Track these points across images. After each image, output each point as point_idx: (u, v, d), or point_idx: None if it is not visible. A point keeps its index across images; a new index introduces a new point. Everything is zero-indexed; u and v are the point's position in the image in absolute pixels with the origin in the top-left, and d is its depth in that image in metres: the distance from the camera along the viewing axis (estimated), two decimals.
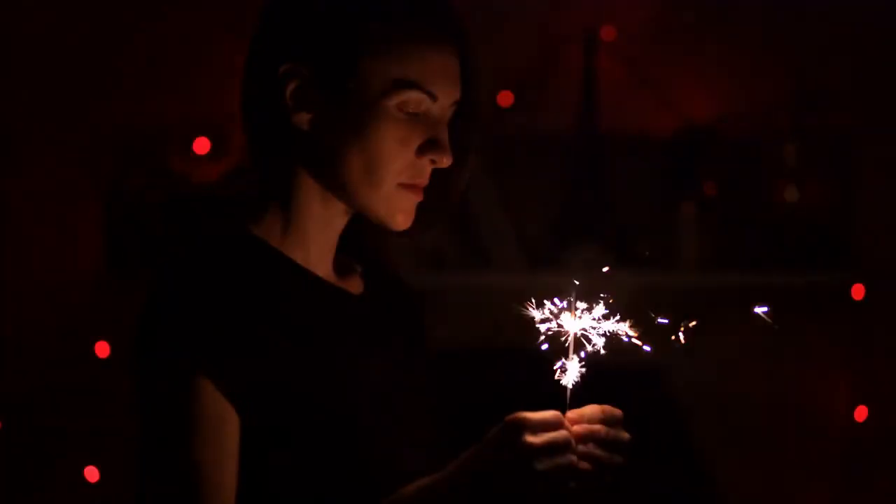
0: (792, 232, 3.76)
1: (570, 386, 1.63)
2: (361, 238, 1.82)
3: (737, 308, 3.80)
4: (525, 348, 1.63)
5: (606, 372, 1.65)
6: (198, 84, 3.67)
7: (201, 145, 3.70)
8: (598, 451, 1.59)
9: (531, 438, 1.56)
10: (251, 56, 1.73)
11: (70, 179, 3.77)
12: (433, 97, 1.69)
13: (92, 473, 3.73)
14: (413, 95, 1.68)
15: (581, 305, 1.63)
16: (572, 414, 1.61)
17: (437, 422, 1.83)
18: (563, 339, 1.64)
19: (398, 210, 1.72)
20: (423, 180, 1.72)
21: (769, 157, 3.77)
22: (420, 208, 1.73)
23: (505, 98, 3.82)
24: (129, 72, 3.75)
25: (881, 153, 3.79)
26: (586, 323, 1.63)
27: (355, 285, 1.81)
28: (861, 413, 3.78)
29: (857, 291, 3.74)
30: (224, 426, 1.62)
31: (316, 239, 1.76)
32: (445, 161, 1.71)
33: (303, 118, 1.70)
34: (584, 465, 1.58)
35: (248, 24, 1.75)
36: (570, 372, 1.63)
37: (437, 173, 1.73)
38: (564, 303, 1.64)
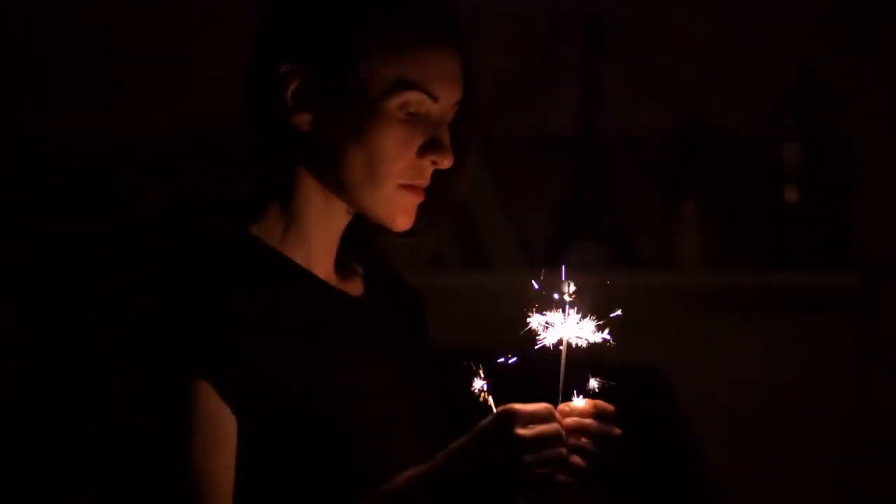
0: (792, 232, 3.76)
1: (561, 380, 1.64)
2: (362, 239, 1.82)
3: (737, 308, 3.81)
4: (525, 349, 1.63)
5: (605, 372, 1.66)
6: (199, 84, 3.67)
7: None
8: (588, 445, 1.60)
9: (522, 431, 1.57)
10: (251, 57, 1.73)
11: (70, 180, 3.77)
12: (434, 98, 1.69)
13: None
14: (414, 96, 1.68)
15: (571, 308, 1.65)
16: (564, 407, 1.62)
17: (438, 423, 1.83)
18: (556, 342, 1.65)
19: (399, 211, 1.72)
20: (425, 181, 1.72)
21: (769, 157, 3.76)
22: (421, 208, 1.74)
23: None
24: (129, 72, 3.75)
25: (881, 153, 3.79)
26: (574, 326, 1.65)
27: (356, 287, 1.81)
28: (861, 413, 3.77)
29: (857, 291, 3.73)
30: (222, 430, 1.62)
31: (316, 240, 1.75)
32: (447, 162, 1.71)
33: (303, 119, 1.70)
34: (575, 458, 1.59)
35: (248, 24, 1.75)
36: (561, 368, 1.64)
37: (437, 174, 1.73)
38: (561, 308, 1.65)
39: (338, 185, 1.71)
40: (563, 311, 1.65)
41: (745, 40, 3.80)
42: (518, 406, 1.59)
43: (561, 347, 1.65)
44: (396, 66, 1.67)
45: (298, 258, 1.74)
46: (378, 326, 1.80)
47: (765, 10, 3.77)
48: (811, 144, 3.73)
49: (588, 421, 1.61)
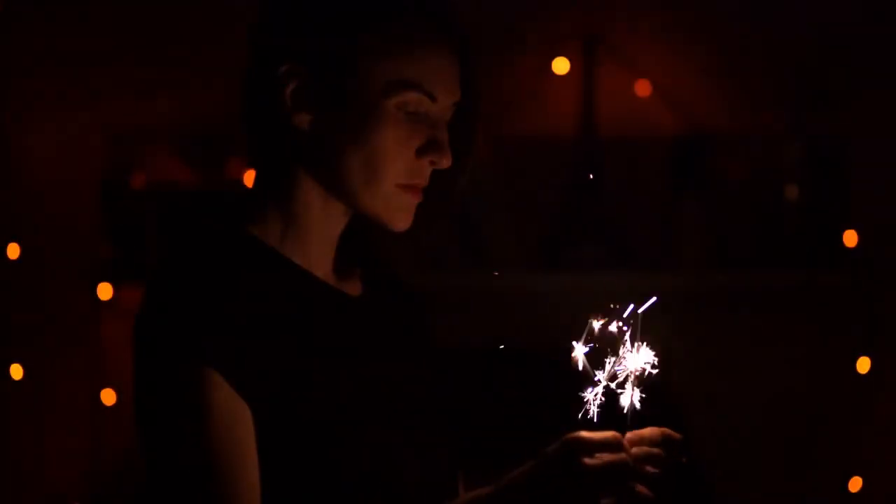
0: (792, 232, 3.77)
1: (627, 408, 1.63)
2: (361, 239, 1.82)
3: (736, 308, 3.81)
4: (525, 349, 1.63)
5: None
6: (198, 84, 3.68)
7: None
8: (655, 474, 1.59)
9: (588, 460, 1.56)
10: (251, 56, 1.73)
11: (68, 179, 3.77)
12: (433, 98, 1.69)
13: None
14: (412, 96, 1.68)
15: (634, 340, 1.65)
16: (632, 435, 1.61)
17: (439, 422, 1.83)
18: (623, 372, 1.64)
19: (397, 210, 1.72)
20: (423, 181, 1.72)
21: (769, 157, 3.77)
22: (419, 208, 1.73)
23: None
24: (129, 71, 3.75)
25: (880, 153, 3.79)
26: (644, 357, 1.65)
27: (355, 287, 1.81)
28: (860, 412, 3.78)
29: (856, 291, 3.74)
30: (239, 419, 1.62)
31: (315, 240, 1.75)
32: (445, 162, 1.71)
33: (303, 118, 1.70)
34: (641, 487, 1.58)
35: (247, 23, 1.75)
36: (630, 395, 1.64)
37: (436, 174, 1.73)
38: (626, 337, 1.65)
39: (336, 184, 1.71)
40: (630, 343, 1.65)
41: (744, 41, 3.81)
42: (585, 434, 1.58)
43: (630, 375, 1.64)
44: (395, 66, 1.67)
45: (297, 258, 1.74)
46: (377, 326, 1.80)
47: (764, 11, 3.78)
48: (810, 145, 3.73)
49: (656, 450, 1.60)
